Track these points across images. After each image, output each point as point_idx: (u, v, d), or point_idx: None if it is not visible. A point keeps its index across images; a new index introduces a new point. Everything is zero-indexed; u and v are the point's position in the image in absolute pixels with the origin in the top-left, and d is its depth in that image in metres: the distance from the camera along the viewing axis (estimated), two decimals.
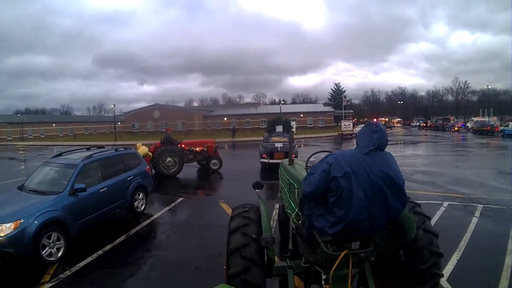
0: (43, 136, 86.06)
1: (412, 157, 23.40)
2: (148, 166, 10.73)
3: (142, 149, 16.22)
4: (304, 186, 3.37)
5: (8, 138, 77.82)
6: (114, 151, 9.89)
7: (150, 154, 16.51)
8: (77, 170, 7.95)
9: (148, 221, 9.38)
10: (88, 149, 10.15)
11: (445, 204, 10.05)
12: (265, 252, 3.69)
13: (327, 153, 3.68)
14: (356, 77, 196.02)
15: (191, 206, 11.09)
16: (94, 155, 8.83)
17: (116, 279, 6.10)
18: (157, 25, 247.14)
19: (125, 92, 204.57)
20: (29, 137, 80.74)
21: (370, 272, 3.62)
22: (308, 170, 3.63)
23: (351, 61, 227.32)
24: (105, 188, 8.49)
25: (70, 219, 7.23)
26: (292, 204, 4.65)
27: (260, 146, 20.33)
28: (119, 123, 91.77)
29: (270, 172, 15.90)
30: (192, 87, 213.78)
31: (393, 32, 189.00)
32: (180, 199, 11.81)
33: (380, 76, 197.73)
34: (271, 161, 17.30)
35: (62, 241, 6.99)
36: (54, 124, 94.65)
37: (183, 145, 18.32)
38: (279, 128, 26.55)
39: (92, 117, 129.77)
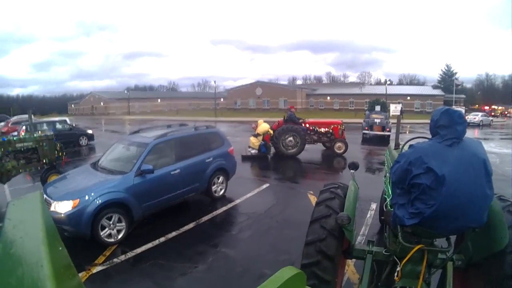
0: (149, 111, 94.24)
1: None
2: (232, 148, 10.26)
3: (263, 126, 16.54)
4: (391, 174, 3.43)
5: (116, 113, 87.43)
6: (193, 130, 9.59)
7: (271, 132, 16.70)
8: (146, 150, 7.79)
9: (224, 208, 9.02)
10: (169, 126, 10.01)
11: None
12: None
13: (425, 139, 3.67)
14: (469, 58, 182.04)
15: (275, 194, 10.39)
16: (168, 134, 8.59)
17: (167, 275, 5.79)
18: (270, 1, 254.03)
19: (233, 69, 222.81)
20: (136, 112, 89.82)
21: (451, 275, 3.53)
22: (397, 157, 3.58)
23: (465, 41, 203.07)
24: (177, 170, 8.22)
25: (134, 201, 7.12)
26: (390, 190, 4.35)
27: (363, 121, 26.33)
28: (222, 99, 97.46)
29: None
30: (299, 65, 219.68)
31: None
32: (266, 185, 11.27)
33: (497, 58, 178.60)
34: (371, 132, 24.41)
35: (123, 223, 6.97)
36: (159, 100, 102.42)
37: (307, 125, 17.96)
38: (378, 108, 33.01)
39: (197, 93, 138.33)
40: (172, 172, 8.12)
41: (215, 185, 9.51)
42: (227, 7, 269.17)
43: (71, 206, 6.38)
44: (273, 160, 16.55)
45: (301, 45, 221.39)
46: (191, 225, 7.78)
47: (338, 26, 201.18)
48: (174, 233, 7.33)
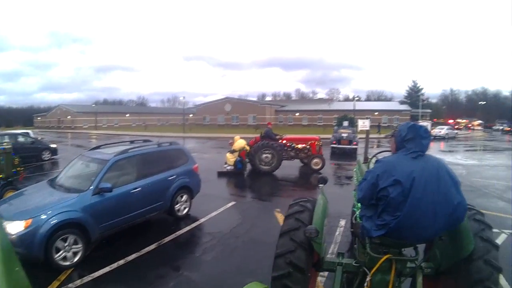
0: (117, 125, 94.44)
1: (501, 169, 20.65)
2: (197, 165, 10.04)
3: (239, 143, 16.65)
4: (357, 192, 3.65)
5: (84, 127, 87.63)
6: (156, 146, 9.33)
7: (248, 148, 16.73)
8: (106, 167, 7.49)
9: (187, 228, 8.73)
10: (132, 142, 9.75)
11: None
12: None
13: (389, 153, 3.86)
14: (435, 75, 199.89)
15: (241, 213, 10.17)
16: (129, 151, 8.32)
17: None
18: (244, 20, 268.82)
19: (204, 85, 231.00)
20: (103, 126, 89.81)
21: (421, 283, 3.64)
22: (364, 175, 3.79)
23: (432, 58, 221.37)
24: (138, 189, 7.94)
25: (91, 222, 6.80)
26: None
27: (331, 136, 28.02)
28: (191, 115, 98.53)
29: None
30: (270, 81, 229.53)
31: (479, 32, 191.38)
32: (231, 203, 11.02)
33: (461, 74, 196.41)
34: (338, 146, 26.13)
35: (80, 245, 6.64)
36: (127, 115, 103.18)
37: (284, 141, 18.02)
38: (346, 123, 34.96)
39: (166, 109, 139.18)
40: (133, 191, 7.83)
41: (179, 204, 9.24)
42: (200, 24, 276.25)
43: (22, 227, 6.02)
44: (247, 177, 16.43)
45: (272, 62, 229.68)
46: (152, 246, 7.47)
47: (309, 44, 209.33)
48: (134, 255, 7.01)
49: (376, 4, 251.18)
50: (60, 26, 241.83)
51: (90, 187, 7.05)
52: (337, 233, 8.19)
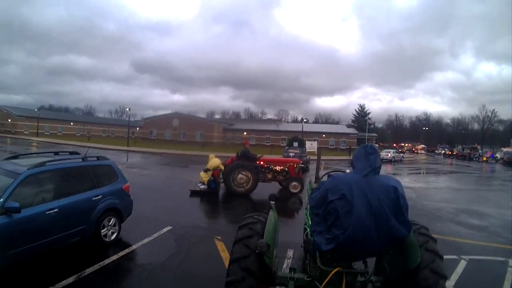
0: (60, 134, 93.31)
1: (449, 191, 22.07)
2: (128, 184, 9.12)
3: (214, 161, 16.29)
4: (309, 200, 4.20)
5: (25, 132, 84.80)
6: (80, 160, 8.33)
7: (222, 167, 16.27)
8: (16, 182, 6.42)
9: (114, 257, 7.71)
10: (56, 153, 8.72)
11: (511, 262, 8.23)
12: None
13: (342, 172, 4.36)
14: (382, 101, 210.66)
15: (176, 240, 9.21)
16: (47, 164, 7.26)
17: None
18: (200, 38, 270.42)
19: (155, 99, 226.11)
20: (45, 133, 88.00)
21: None
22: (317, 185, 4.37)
23: (378, 86, 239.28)
24: (55, 210, 6.90)
25: None
26: (310, 220, 4.84)
27: (282, 156, 29.35)
28: (137, 128, 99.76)
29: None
30: (221, 100, 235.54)
31: (422, 61, 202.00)
32: (166, 229, 10.01)
33: (405, 101, 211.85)
34: None
35: None
36: (72, 123, 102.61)
37: (261, 162, 17.44)
38: (296, 144, 39.61)
39: (113, 120, 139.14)
40: (48, 212, 6.78)
41: (105, 228, 8.28)
42: (154, 37, 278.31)
43: None
44: (213, 198, 15.73)
45: (224, 81, 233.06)
46: (70, 280, 6.42)
47: (262, 66, 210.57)
48: None
49: (328, 34, 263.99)
50: (12, 19, 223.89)
51: None
52: (284, 265, 7.54)
